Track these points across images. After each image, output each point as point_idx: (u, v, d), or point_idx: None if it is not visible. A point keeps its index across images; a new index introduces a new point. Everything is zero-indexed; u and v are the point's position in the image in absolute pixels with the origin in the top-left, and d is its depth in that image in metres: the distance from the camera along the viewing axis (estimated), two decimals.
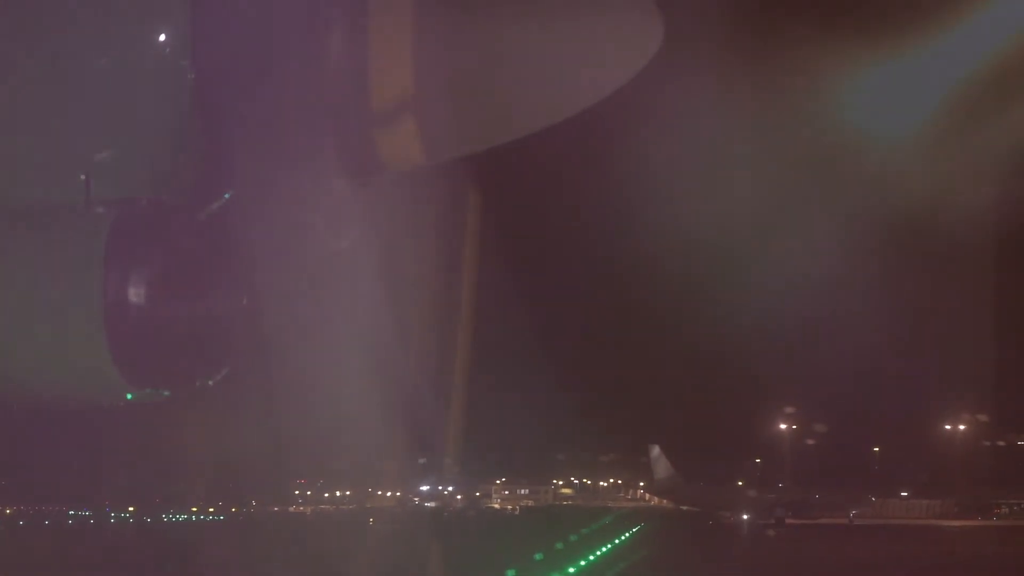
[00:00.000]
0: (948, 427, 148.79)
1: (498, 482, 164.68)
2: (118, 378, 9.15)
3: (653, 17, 9.47)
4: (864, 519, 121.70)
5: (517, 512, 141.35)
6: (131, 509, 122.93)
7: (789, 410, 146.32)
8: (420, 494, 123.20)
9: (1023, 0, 32.41)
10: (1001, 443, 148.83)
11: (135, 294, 9.07)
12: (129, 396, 9.46)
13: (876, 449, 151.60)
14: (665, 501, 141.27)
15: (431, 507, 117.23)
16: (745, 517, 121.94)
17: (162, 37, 9.25)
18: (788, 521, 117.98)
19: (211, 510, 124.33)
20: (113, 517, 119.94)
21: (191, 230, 9.54)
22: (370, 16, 9.43)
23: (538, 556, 46.79)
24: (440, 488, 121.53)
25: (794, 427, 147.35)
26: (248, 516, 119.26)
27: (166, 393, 9.63)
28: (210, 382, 9.77)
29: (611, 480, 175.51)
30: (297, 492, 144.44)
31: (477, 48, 9.40)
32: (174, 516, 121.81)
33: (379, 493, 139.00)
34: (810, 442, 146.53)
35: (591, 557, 53.68)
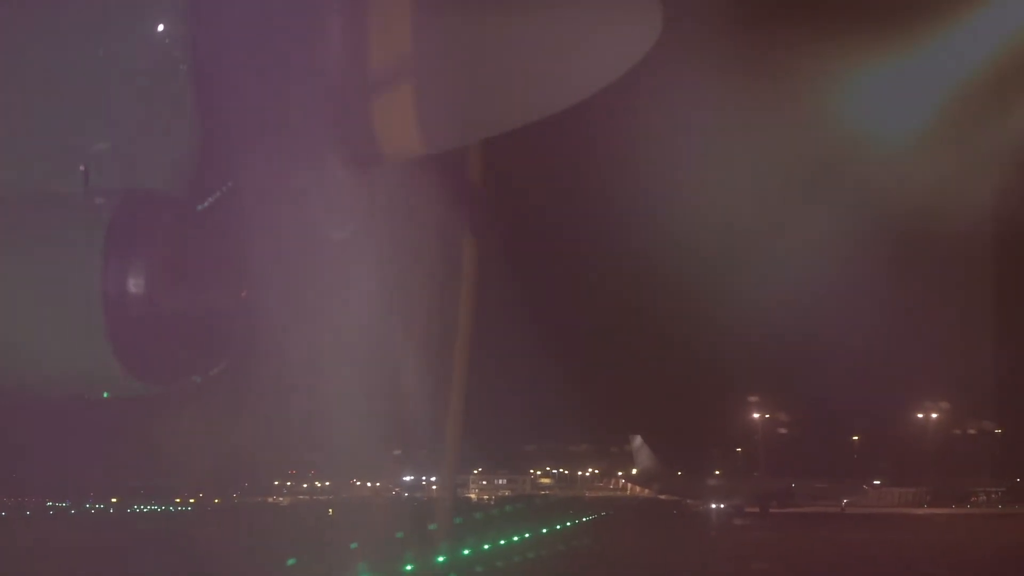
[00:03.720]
0: (922, 415, 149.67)
1: (475, 472, 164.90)
2: (118, 370, 9.11)
3: (652, 6, 9.46)
4: (856, 508, 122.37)
5: (492, 501, 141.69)
6: (114, 500, 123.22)
7: (769, 401, 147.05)
8: (402, 484, 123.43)
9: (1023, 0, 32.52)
10: (972, 431, 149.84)
11: (135, 285, 9.03)
12: (131, 388, 9.44)
13: (855, 438, 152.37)
14: (647, 491, 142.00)
15: (406, 497, 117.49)
16: (713, 506, 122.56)
17: (160, 28, 9.22)
18: (773, 510, 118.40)
19: (192, 501, 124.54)
20: (77, 509, 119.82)
21: (190, 221, 9.51)
22: (369, 6, 9.41)
23: (353, 545, 47.04)
24: (423, 479, 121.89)
25: (773, 417, 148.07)
26: (218, 507, 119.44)
27: (167, 385, 9.61)
28: (209, 374, 9.74)
29: (590, 470, 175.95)
30: (277, 483, 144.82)
31: (475, 38, 9.39)
32: (140, 508, 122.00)
33: (357, 484, 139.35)
34: (789, 432, 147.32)
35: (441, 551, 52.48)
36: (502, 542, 58.91)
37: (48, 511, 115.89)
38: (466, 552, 50.18)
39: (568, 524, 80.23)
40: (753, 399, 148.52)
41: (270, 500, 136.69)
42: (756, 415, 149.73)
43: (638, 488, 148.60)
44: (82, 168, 9.24)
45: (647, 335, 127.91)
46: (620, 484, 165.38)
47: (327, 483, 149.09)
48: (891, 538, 77.10)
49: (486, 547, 55.01)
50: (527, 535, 65.99)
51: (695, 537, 76.62)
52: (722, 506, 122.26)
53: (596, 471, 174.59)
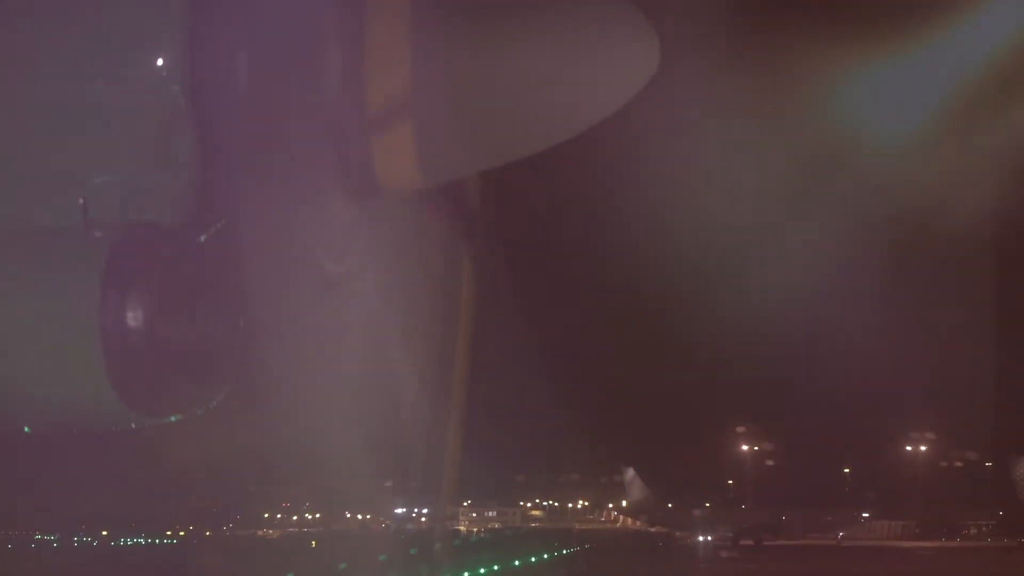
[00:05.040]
0: (911, 448, 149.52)
1: (465, 504, 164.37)
2: (117, 403, 9.09)
3: (650, 38, 9.50)
4: (851, 540, 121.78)
5: (482, 533, 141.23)
6: (104, 533, 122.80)
7: (759, 432, 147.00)
8: (394, 517, 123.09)
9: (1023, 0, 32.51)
10: (959, 463, 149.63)
11: (133, 318, 9.01)
12: (129, 421, 9.42)
13: (845, 470, 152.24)
14: (638, 523, 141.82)
15: (395, 529, 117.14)
16: (701, 538, 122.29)
17: (159, 61, 9.23)
18: (768, 542, 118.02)
19: (182, 534, 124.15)
20: (62, 542, 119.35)
21: (189, 254, 9.50)
22: (367, 40, 9.44)
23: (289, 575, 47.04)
24: (414, 511, 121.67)
25: (763, 449, 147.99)
26: (206, 540, 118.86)
27: (164, 418, 9.59)
28: (209, 406, 9.73)
29: (580, 502, 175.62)
30: (267, 515, 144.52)
31: (473, 72, 9.41)
32: (126, 541, 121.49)
33: (348, 516, 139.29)
34: (778, 464, 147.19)
35: None
36: (466, 574, 58.17)
37: (31, 544, 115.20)
38: None
39: (543, 557, 79.06)
40: (743, 431, 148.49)
41: (260, 533, 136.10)
42: (746, 447, 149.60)
43: (629, 520, 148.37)
44: (81, 201, 9.25)
45: (639, 366, 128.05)
46: (611, 516, 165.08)
47: (318, 515, 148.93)
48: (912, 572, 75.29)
49: None
50: (495, 567, 64.86)
51: (663, 571, 75.30)
52: (709, 538, 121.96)
53: (586, 503, 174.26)
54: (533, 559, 75.70)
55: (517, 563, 71.08)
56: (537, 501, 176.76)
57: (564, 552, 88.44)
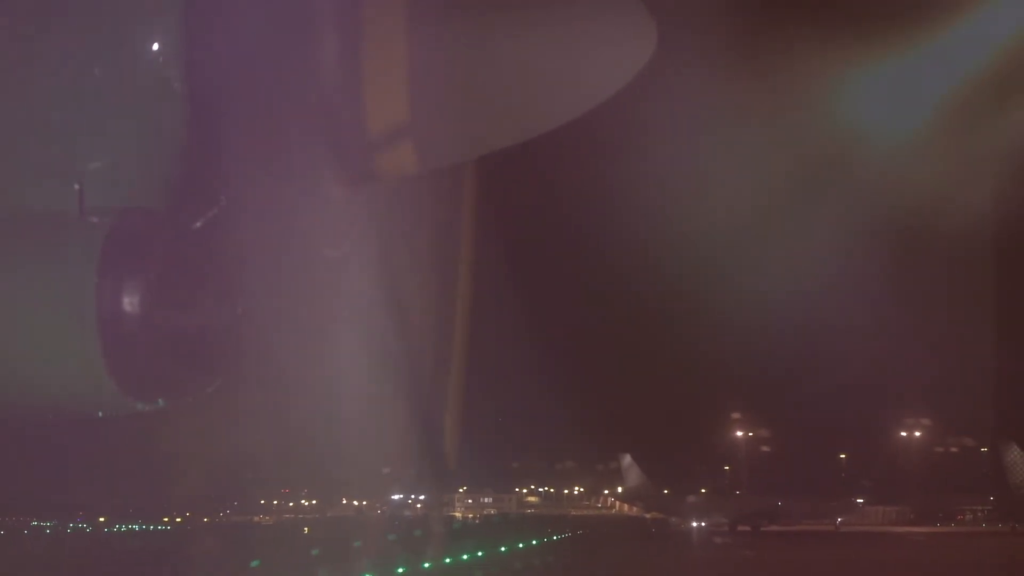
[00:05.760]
0: (905, 433, 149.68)
1: (461, 490, 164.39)
2: (113, 388, 9.08)
3: (646, 22, 9.49)
4: (849, 526, 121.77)
5: (476, 519, 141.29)
6: (102, 519, 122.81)
7: (755, 419, 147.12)
8: (390, 503, 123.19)
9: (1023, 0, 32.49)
10: (955, 449, 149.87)
11: (129, 303, 9.00)
12: (125, 407, 9.40)
13: (842, 457, 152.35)
14: (635, 509, 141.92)
15: (390, 515, 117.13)
16: (695, 524, 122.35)
17: (155, 46, 9.20)
18: (765, 528, 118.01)
19: (178, 520, 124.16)
20: (57, 529, 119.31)
21: (186, 239, 9.48)
22: (364, 24, 9.41)
23: (255, 563, 46.88)
24: (410, 498, 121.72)
25: (758, 435, 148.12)
26: (201, 526, 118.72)
27: (161, 403, 9.57)
28: (206, 391, 9.71)
29: (577, 489, 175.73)
30: (263, 502, 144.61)
31: (470, 57, 9.39)
32: (120, 527, 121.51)
33: (344, 502, 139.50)
34: (774, 450, 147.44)
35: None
36: (448, 560, 57.77)
37: (25, 531, 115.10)
38: (400, 571, 49.34)
39: (532, 543, 78.66)
40: (740, 418, 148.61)
41: (256, 519, 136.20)
42: (742, 433, 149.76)
43: (626, 506, 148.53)
44: (77, 187, 9.22)
45: (635, 353, 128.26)
46: (607, 502, 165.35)
47: (314, 502, 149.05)
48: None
49: (426, 565, 54.01)
50: (479, 554, 64.29)
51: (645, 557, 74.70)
52: (704, 524, 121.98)
53: (582, 489, 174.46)
54: (521, 545, 75.31)
55: (503, 549, 70.59)
56: (533, 487, 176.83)
57: (555, 538, 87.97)
